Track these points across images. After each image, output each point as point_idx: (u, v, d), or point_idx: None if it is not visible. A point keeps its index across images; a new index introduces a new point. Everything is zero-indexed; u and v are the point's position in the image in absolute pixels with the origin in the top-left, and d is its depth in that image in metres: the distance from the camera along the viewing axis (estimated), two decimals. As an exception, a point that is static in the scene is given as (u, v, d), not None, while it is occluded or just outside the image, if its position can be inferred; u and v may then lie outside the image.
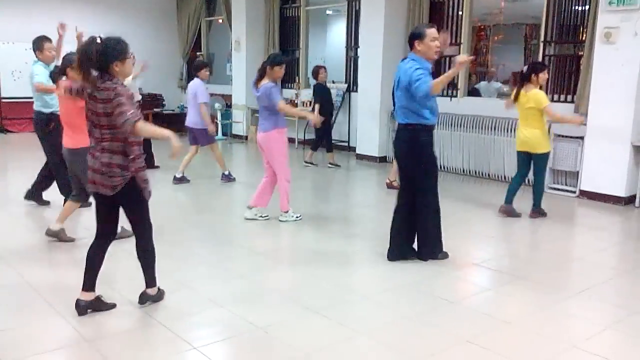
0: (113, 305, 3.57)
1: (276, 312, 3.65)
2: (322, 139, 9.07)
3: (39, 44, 5.78)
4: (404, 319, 3.58)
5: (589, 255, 5.01)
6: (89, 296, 3.48)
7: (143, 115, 3.35)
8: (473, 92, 9.68)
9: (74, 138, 4.62)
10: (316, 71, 8.97)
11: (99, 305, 3.52)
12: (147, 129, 3.26)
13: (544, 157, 5.95)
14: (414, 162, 4.43)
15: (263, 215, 5.75)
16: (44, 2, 12.57)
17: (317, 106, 8.70)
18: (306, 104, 10.71)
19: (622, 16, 6.51)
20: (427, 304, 3.80)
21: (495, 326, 3.49)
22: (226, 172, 7.63)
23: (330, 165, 9.04)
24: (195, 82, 7.39)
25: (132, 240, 3.57)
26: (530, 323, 3.55)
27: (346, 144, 10.56)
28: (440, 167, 8.78)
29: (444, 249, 4.65)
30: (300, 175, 8.34)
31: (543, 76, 5.74)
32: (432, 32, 4.23)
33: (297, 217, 5.76)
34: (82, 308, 3.45)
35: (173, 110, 12.87)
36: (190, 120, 7.40)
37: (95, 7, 13.20)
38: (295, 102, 11.17)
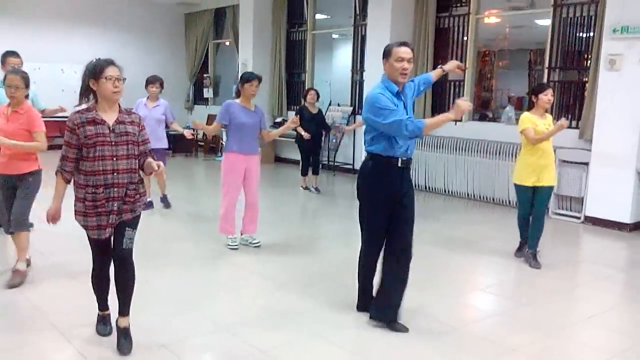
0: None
1: (280, 335, 3.63)
2: (309, 163, 8.93)
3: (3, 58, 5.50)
4: (409, 345, 3.55)
5: (594, 282, 4.98)
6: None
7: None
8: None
9: None
10: (305, 93, 8.91)
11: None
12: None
13: (516, 188, 5.39)
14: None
15: (253, 242, 5.58)
16: (53, 22, 12.78)
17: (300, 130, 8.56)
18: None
19: (626, 44, 6.56)
20: (432, 329, 3.78)
21: (501, 353, 3.46)
22: (149, 198, 7.06)
23: (311, 188, 8.83)
24: (163, 103, 7.11)
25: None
26: (535, 350, 3.53)
27: (351, 167, 10.59)
28: (446, 192, 8.81)
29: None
30: (303, 198, 8.35)
31: (544, 97, 5.15)
32: (398, 51, 3.62)
33: (230, 245, 5.48)
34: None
35: (175, 132, 12.93)
36: (159, 141, 7.06)
37: (104, 29, 13.42)
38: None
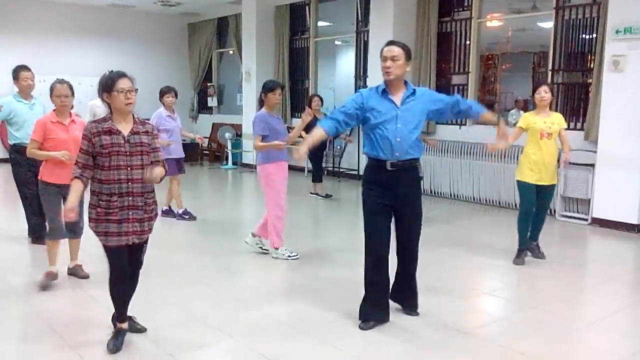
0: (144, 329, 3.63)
1: (286, 343, 3.63)
2: (321, 168, 8.96)
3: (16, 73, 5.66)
4: (416, 350, 3.54)
5: (602, 284, 4.95)
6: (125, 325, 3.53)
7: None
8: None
9: None
10: (309, 100, 8.82)
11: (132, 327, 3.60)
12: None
13: (519, 185, 5.35)
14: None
15: (263, 248, 5.55)
16: (59, 35, 12.88)
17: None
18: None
19: (629, 44, 6.56)
20: (439, 334, 3.77)
21: (509, 357, 3.44)
22: (180, 210, 7.25)
23: (311, 194, 8.84)
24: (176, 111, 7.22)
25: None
26: (544, 354, 3.51)
27: (356, 173, 10.59)
28: (451, 195, 8.79)
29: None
30: (305, 206, 8.35)
31: (537, 96, 5.24)
32: (382, 50, 3.64)
33: (290, 255, 5.40)
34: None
35: (184, 140, 12.97)
36: (178, 151, 7.20)
37: (110, 40, 13.53)
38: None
